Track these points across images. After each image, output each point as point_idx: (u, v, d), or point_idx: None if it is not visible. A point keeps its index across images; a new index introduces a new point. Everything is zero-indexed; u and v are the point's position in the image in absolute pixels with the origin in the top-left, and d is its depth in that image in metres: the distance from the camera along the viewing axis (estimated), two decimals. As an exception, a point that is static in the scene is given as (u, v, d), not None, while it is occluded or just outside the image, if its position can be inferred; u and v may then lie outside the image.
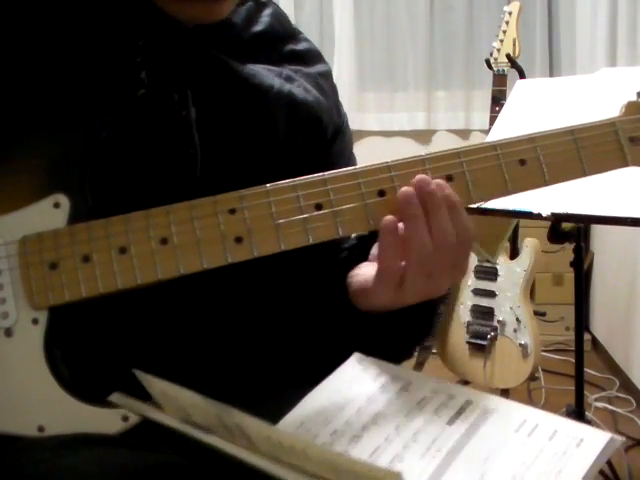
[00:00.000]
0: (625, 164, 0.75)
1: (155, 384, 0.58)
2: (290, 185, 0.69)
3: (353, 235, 0.83)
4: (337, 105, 0.92)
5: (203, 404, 0.55)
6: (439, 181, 0.70)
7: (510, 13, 2.42)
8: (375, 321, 0.76)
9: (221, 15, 0.77)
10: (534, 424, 0.62)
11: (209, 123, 0.78)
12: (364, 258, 0.80)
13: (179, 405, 0.57)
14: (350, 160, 0.93)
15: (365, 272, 0.75)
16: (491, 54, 2.42)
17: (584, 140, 0.73)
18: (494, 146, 0.73)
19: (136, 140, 0.75)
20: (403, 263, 0.69)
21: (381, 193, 0.70)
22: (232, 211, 0.68)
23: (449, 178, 0.71)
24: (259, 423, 0.52)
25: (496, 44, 2.42)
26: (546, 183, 0.73)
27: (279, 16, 0.89)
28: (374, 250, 0.77)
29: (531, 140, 0.73)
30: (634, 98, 0.77)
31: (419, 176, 0.69)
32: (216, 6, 0.76)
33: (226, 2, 0.76)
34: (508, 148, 0.73)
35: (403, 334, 0.80)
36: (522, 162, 0.72)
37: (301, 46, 0.90)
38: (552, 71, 3.23)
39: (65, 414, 0.66)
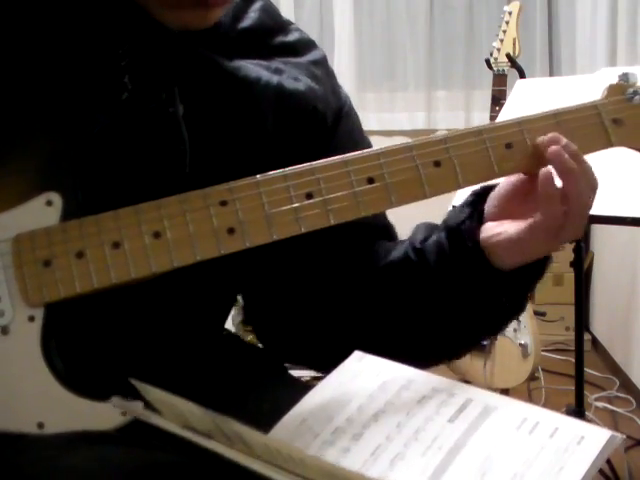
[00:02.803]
0: (609, 145, 0.76)
1: (152, 393, 0.57)
2: (280, 175, 0.69)
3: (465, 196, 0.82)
4: (335, 89, 0.91)
5: (200, 413, 0.55)
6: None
7: (510, 13, 2.43)
8: (511, 277, 0.77)
9: (211, 22, 0.76)
10: (535, 422, 0.62)
11: (197, 119, 0.78)
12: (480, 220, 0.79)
13: (177, 412, 0.57)
14: (362, 141, 0.91)
15: (508, 229, 0.75)
16: (491, 54, 2.42)
17: (568, 122, 0.74)
18: (480, 131, 0.73)
19: (125, 137, 0.75)
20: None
21: (370, 180, 0.70)
22: (223, 203, 0.68)
23: (437, 164, 0.72)
24: (255, 433, 0.52)
25: (496, 44, 2.42)
26: (533, 165, 0.73)
27: (268, 9, 0.88)
28: (491, 209, 0.77)
29: (517, 124, 0.74)
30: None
31: (550, 134, 0.72)
32: (206, 13, 0.75)
33: (216, 9, 0.75)
34: (494, 132, 0.73)
35: (523, 288, 0.81)
36: (508, 145, 0.73)
37: (291, 37, 0.89)
38: (552, 71, 3.23)
39: (64, 410, 0.66)
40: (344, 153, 0.71)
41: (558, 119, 0.74)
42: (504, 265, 0.76)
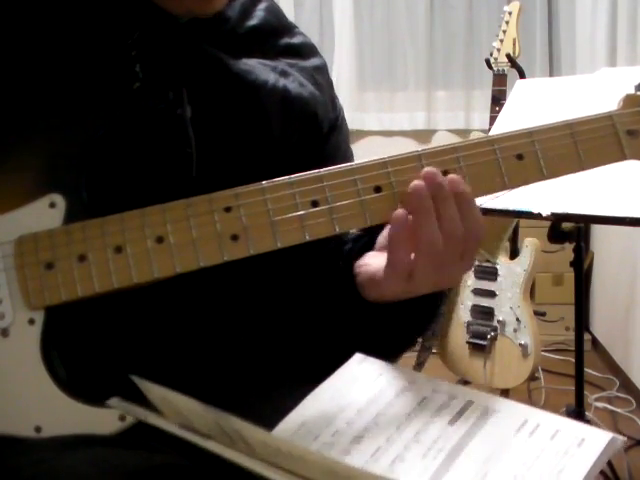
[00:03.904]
0: (623, 157, 0.74)
1: (153, 390, 0.57)
2: (286, 182, 0.69)
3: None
4: (333, 99, 0.91)
5: (201, 411, 0.55)
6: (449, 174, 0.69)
7: (510, 13, 2.43)
8: (381, 311, 0.76)
9: (215, 8, 0.77)
10: (535, 424, 0.62)
11: (205, 121, 0.78)
12: (370, 248, 0.79)
13: (178, 410, 0.57)
14: (347, 154, 0.92)
15: (373, 262, 0.75)
16: (491, 54, 2.42)
17: (582, 134, 0.73)
18: (491, 141, 0.72)
19: (132, 139, 0.75)
20: (413, 255, 0.69)
21: (377, 189, 0.70)
22: (228, 209, 0.68)
23: (445, 173, 0.70)
24: (256, 429, 0.52)
25: (496, 44, 2.42)
26: (544, 177, 0.72)
27: (274, 10, 0.89)
28: (381, 239, 0.77)
29: (528, 134, 0.72)
30: (632, 91, 0.77)
31: (427, 169, 0.69)
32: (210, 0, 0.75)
33: None
34: (505, 142, 0.72)
35: (408, 324, 0.79)
36: (519, 157, 0.72)
37: (296, 39, 0.89)
38: (552, 71, 3.23)
39: (62, 414, 0.66)
40: (331, 163, 0.71)
41: (573, 130, 0.73)
42: (370, 297, 0.75)
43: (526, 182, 0.73)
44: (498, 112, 2.20)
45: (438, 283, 0.71)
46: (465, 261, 0.70)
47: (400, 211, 0.68)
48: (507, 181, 0.72)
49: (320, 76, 0.89)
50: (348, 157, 0.91)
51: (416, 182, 0.68)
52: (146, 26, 0.76)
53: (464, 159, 0.71)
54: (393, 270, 0.70)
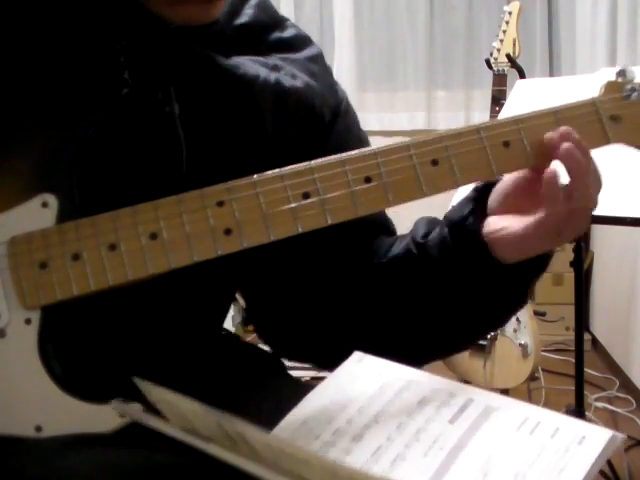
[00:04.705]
0: (607, 142, 0.75)
1: (154, 392, 0.57)
2: (277, 175, 0.69)
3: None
4: (332, 86, 0.91)
5: (202, 412, 0.54)
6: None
7: (510, 13, 2.43)
8: (513, 270, 0.76)
9: (213, 17, 0.76)
10: (536, 422, 0.62)
11: (194, 118, 0.78)
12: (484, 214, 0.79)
13: (179, 412, 0.57)
14: (360, 137, 0.91)
15: (512, 224, 0.74)
16: (491, 54, 2.42)
17: (566, 120, 0.74)
18: (478, 129, 0.73)
19: (122, 137, 0.75)
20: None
21: (368, 180, 0.70)
22: (220, 203, 0.68)
23: (434, 163, 0.71)
24: (259, 432, 0.52)
25: (496, 44, 2.42)
26: (531, 164, 0.73)
27: (264, 5, 0.88)
28: (492, 204, 0.77)
29: (514, 122, 0.73)
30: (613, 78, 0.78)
31: (564, 129, 0.71)
32: (209, 8, 0.75)
33: (218, 3, 0.75)
34: (491, 131, 0.73)
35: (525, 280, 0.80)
36: (506, 144, 0.73)
37: (288, 33, 0.89)
38: (552, 71, 3.24)
39: (62, 413, 0.66)
40: (344, 150, 0.71)
41: (556, 117, 0.74)
42: (505, 260, 0.75)
43: (513, 169, 0.74)
44: (498, 112, 2.21)
45: (568, 239, 0.74)
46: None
47: (552, 171, 0.70)
48: (495, 169, 0.73)
49: (315, 65, 0.88)
50: (363, 140, 0.91)
51: (566, 146, 0.70)
52: (135, 32, 0.75)
53: (452, 148, 0.72)
54: (550, 226, 0.71)
